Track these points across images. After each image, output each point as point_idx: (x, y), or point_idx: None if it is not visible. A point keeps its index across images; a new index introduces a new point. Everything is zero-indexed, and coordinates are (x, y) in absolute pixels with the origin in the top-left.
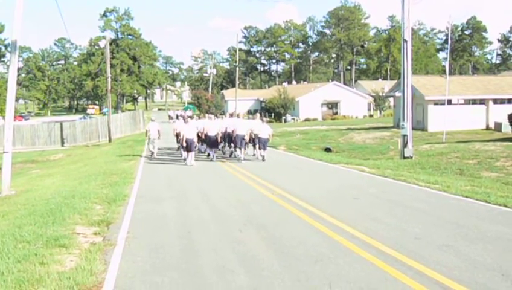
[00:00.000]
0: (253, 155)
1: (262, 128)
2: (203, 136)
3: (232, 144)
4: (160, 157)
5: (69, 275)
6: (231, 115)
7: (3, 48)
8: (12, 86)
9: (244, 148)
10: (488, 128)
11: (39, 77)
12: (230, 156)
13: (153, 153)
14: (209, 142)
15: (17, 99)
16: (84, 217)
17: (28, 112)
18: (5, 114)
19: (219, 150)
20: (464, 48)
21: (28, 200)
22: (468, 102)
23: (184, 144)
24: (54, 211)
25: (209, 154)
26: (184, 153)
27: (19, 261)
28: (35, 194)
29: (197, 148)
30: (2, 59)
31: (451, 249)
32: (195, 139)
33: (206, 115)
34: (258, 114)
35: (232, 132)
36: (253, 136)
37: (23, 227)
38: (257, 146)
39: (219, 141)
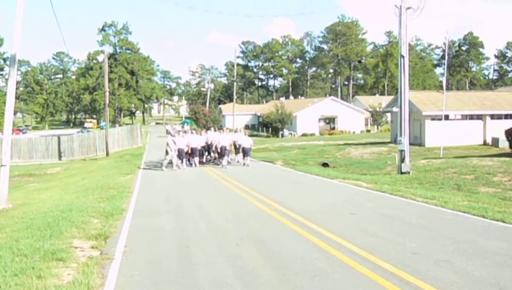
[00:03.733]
0: (237, 161)
1: (245, 140)
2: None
3: (215, 154)
4: (158, 168)
5: (66, 289)
6: (215, 130)
7: (2, 62)
8: (10, 99)
9: (228, 156)
10: (485, 143)
11: (37, 91)
12: (213, 162)
13: (171, 162)
14: (192, 151)
15: (15, 113)
16: (82, 231)
17: (26, 125)
18: (3, 127)
19: (202, 161)
20: (461, 64)
21: (26, 213)
22: (465, 117)
23: (177, 153)
24: (51, 225)
25: (194, 164)
26: (176, 161)
27: (16, 274)
28: (32, 208)
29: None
30: (1, 72)
31: (449, 264)
32: (186, 149)
33: (191, 131)
34: (242, 128)
35: (213, 143)
36: (237, 146)
37: (20, 240)
38: (240, 154)
39: (200, 150)
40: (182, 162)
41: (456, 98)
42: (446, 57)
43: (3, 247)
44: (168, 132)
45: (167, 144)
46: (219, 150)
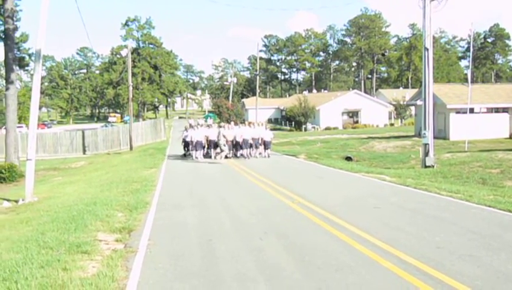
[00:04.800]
0: (260, 154)
1: (266, 133)
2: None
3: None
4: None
5: (91, 281)
6: (236, 124)
7: (27, 57)
8: (36, 94)
9: (248, 149)
10: (511, 137)
11: (62, 86)
12: (237, 156)
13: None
14: (210, 143)
15: (40, 108)
16: (106, 224)
17: (51, 120)
18: (28, 122)
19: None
20: (486, 56)
21: (51, 207)
22: (490, 110)
23: (194, 144)
24: (76, 218)
25: (209, 154)
26: (194, 152)
27: (42, 266)
28: (57, 201)
29: (205, 148)
30: (26, 68)
31: (474, 258)
32: (204, 141)
33: (208, 124)
34: (263, 122)
35: (235, 136)
36: (259, 140)
37: (46, 233)
38: (262, 147)
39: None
40: (200, 152)
41: (481, 91)
42: (471, 49)
43: (29, 240)
44: (191, 126)
45: (221, 135)
46: (240, 143)
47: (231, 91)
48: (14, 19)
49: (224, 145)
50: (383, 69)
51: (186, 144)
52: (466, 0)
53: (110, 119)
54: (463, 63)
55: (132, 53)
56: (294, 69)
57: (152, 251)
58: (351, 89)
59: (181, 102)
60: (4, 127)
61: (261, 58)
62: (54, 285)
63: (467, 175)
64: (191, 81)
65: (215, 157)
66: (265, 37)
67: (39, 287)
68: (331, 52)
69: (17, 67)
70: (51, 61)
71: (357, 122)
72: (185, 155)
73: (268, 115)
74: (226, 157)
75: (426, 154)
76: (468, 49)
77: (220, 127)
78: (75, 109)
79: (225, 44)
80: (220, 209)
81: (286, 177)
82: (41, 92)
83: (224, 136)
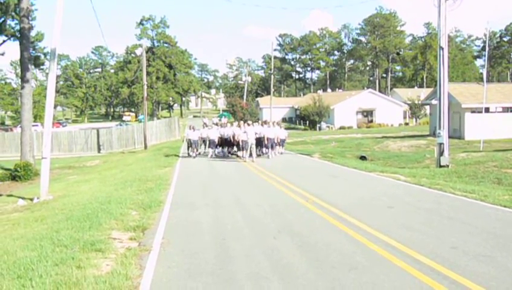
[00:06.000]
0: (279, 151)
1: (280, 132)
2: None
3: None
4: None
5: (105, 279)
6: (248, 124)
7: (42, 56)
8: (51, 93)
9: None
10: None
11: (77, 85)
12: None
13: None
14: (224, 142)
15: (55, 107)
16: (120, 223)
17: (66, 118)
18: (43, 121)
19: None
20: (502, 55)
21: (65, 205)
22: (506, 110)
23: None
24: (90, 216)
25: (224, 153)
26: (208, 150)
27: (57, 264)
28: (72, 200)
29: (218, 147)
30: (41, 67)
31: (489, 259)
32: (216, 140)
33: (222, 123)
34: (278, 121)
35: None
36: (276, 139)
37: (60, 231)
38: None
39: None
40: (211, 150)
41: (497, 90)
42: (487, 48)
43: (44, 237)
44: (205, 125)
45: (252, 133)
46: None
47: (245, 90)
48: (30, 18)
49: (252, 144)
50: (398, 68)
51: (189, 143)
52: None
53: (124, 118)
54: (478, 62)
55: (147, 52)
56: (309, 68)
57: (166, 249)
58: (365, 88)
59: (195, 101)
60: (19, 125)
61: (275, 57)
62: (68, 283)
63: (482, 175)
64: (206, 80)
65: (253, 160)
66: (280, 36)
67: (53, 285)
68: (345, 51)
69: (33, 66)
70: (66, 60)
71: (371, 121)
72: (188, 155)
73: (282, 114)
74: (237, 155)
75: (441, 153)
76: (483, 48)
77: (253, 124)
78: (90, 107)
79: (239, 43)
80: (233, 208)
81: (300, 176)
82: (57, 91)
83: (250, 134)
